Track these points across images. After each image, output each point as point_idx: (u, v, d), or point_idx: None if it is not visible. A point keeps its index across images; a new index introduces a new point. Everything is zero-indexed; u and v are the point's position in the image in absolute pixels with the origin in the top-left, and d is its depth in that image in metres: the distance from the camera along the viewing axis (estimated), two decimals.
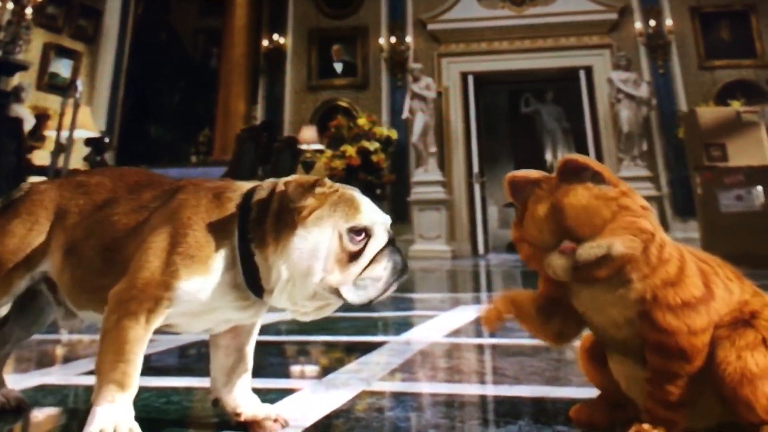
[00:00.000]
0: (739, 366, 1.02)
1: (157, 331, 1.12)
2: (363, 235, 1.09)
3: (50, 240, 1.26)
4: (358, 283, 1.08)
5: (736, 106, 8.29)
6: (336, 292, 1.08)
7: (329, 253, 1.07)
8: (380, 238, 1.10)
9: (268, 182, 1.16)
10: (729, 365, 1.03)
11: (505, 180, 1.16)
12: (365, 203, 1.12)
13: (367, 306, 1.09)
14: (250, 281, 1.11)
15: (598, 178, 1.08)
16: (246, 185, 1.18)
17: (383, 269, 1.09)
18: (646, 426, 1.07)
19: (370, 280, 1.08)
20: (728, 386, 1.02)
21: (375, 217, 1.11)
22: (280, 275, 1.08)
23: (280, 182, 1.13)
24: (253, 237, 1.10)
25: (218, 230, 1.11)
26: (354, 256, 1.08)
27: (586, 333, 1.30)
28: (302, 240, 1.07)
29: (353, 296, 1.08)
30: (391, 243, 1.11)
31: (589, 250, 1.04)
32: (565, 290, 1.14)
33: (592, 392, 1.28)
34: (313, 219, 1.08)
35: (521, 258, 1.14)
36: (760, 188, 6.15)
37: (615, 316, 1.08)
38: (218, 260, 1.10)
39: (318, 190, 1.10)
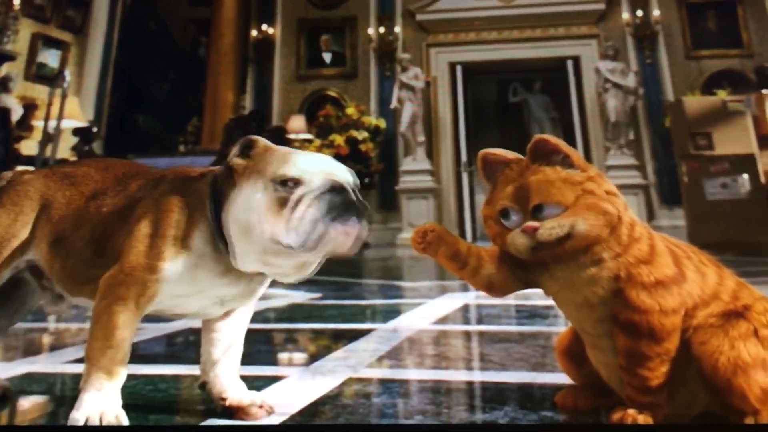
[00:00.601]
0: (733, 356, 1.03)
1: (154, 318, 1.13)
2: (294, 185, 1.08)
3: (35, 230, 1.26)
4: (289, 226, 1.06)
5: (722, 95, 8.33)
6: (277, 241, 1.06)
7: (260, 204, 1.07)
8: (312, 184, 1.08)
9: None
10: (722, 354, 1.03)
11: (478, 157, 1.18)
12: (300, 157, 1.11)
13: (311, 249, 1.06)
14: (228, 249, 1.12)
15: (567, 162, 1.08)
16: (220, 167, 1.19)
17: (315, 209, 1.06)
18: (631, 411, 1.08)
19: (298, 220, 1.06)
20: (722, 376, 1.03)
21: (308, 168, 1.10)
22: (229, 232, 1.10)
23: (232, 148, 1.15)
24: (222, 206, 1.12)
25: (195, 208, 1.13)
26: (284, 204, 1.07)
27: (562, 331, 1.31)
28: (237, 195, 1.09)
29: (288, 239, 1.05)
30: (335, 189, 1.09)
31: (549, 230, 1.04)
32: (532, 272, 1.14)
33: None
34: (246, 175, 1.10)
35: (488, 235, 1.15)
36: (745, 176, 6.20)
37: (588, 295, 1.08)
38: (198, 236, 1.11)
39: (253, 150, 1.12)
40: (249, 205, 1.08)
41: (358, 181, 1.15)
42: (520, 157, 1.14)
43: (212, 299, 1.17)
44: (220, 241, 1.11)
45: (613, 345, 1.10)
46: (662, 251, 1.09)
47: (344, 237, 1.07)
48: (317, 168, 1.10)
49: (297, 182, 1.08)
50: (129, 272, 1.09)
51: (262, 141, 1.14)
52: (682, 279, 1.08)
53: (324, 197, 1.07)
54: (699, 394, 1.07)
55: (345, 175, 1.12)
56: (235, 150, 1.12)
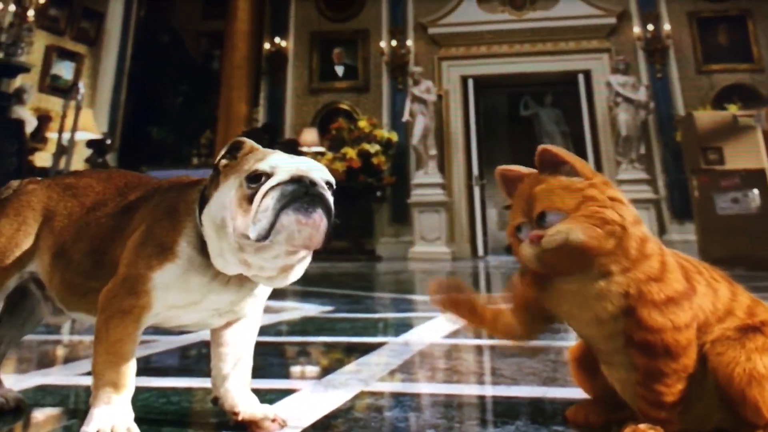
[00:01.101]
0: (749, 367, 1.03)
1: (166, 331, 1.13)
2: (262, 180, 1.07)
3: (38, 241, 1.27)
4: (253, 220, 1.04)
5: (733, 110, 8.29)
6: (244, 235, 1.05)
7: (231, 201, 1.07)
8: (277, 176, 1.07)
9: None
10: (738, 365, 1.04)
11: (496, 173, 1.19)
12: (276, 155, 1.11)
13: (264, 238, 1.04)
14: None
15: (572, 171, 1.09)
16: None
17: (271, 199, 1.04)
18: (642, 426, 1.08)
19: (260, 212, 1.04)
20: (736, 387, 1.03)
21: (278, 164, 1.08)
22: (206, 232, 1.10)
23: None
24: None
25: (183, 214, 1.13)
26: (251, 200, 1.06)
27: (574, 344, 1.31)
28: (216, 196, 1.09)
29: (253, 232, 1.04)
30: (296, 181, 1.07)
31: (550, 237, 1.05)
32: (543, 291, 1.14)
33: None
34: (225, 175, 1.10)
35: (514, 251, 1.15)
36: (756, 191, 6.16)
37: (598, 311, 1.08)
38: (184, 242, 1.11)
39: (240, 152, 1.12)
40: (223, 203, 1.07)
41: (334, 181, 1.13)
42: (532, 170, 1.15)
43: (208, 310, 1.17)
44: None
45: (626, 360, 1.11)
46: (672, 267, 1.09)
47: (298, 225, 1.03)
48: (289, 164, 1.09)
49: (267, 176, 1.07)
50: (122, 283, 1.09)
51: (249, 142, 1.14)
52: (692, 293, 1.08)
53: (284, 187, 1.05)
54: (714, 410, 1.08)
55: (318, 173, 1.10)
56: (222, 151, 1.12)
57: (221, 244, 1.08)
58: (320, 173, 1.10)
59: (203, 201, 1.12)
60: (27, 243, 1.27)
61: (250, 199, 1.05)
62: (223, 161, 1.11)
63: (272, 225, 1.03)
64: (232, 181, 1.08)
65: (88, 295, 1.17)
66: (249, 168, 1.08)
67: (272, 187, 1.05)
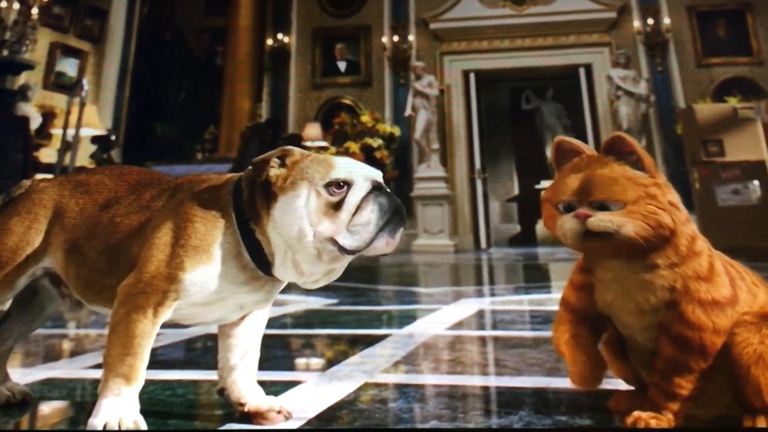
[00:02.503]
0: (760, 349, 1.05)
1: (169, 325, 1.14)
2: (343, 187, 1.11)
3: (50, 238, 1.28)
4: (350, 229, 1.10)
5: (733, 102, 8.28)
6: (333, 241, 1.10)
7: (309, 209, 1.10)
8: (361, 186, 1.12)
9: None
10: (750, 345, 1.06)
11: (554, 142, 1.20)
12: (341, 160, 1.15)
13: (368, 253, 1.11)
14: (257, 258, 1.14)
15: (638, 164, 1.10)
16: (238, 174, 1.21)
17: (370, 212, 1.11)
18: (644, 415, 1.09)
19: (360, 225, 1.10)
20: (743, 365, 1.05)
21: (352, 169, 1.13)
22: (276, 243, 1.12)
23: (255, 159, 1.17)
24: (250, 216, 1.14)
25: (216, 218, 1.14)
26: (339, 206, 1.11)
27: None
28: (281, 206, 1.11)
29: (349, 241, 1.10)
30: (377, 189, 1.14)
31: (599, 221, 1.06)
32: (592, 279, 1.16)
33: None
34: (288, 185, 1.12)
35: (543, 217, 1.16)
36: (756, 182, 6.16)
37: (641, 301, 1.10)
38: (220, 246, 1.13)
39: (288, 159, 1.14)
40: (296, 211, 1.10)
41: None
42: (593, 150, 1.16)
43: (232, 307, 1.19)
44: (246, 251, 1.13)
45: (654, 349, 1.12)
46: (720, 271, 1.10)
47: (390, 245, 1.12)
48: (358, 170, 1.14)
49: (346, 184, 1.11)
50: (149, 281, 1.10)
51: (297, 149, 1.16)
52: (736, 301, 1.09)
53: (377, 200, 1.12)
54: (723, 392, 1.09)
55: (380, 176, 1.17)
56: (258, 164, 1.13)
57: (294, 256, 1.12)
58: (380, 176, 1.18)
59: (239, 206, 1.14)
60: (38, 240, 1.28)
61: (335, 206, 1.10)
62: (276, 171, 1.13)
63: (372, 240, 1.10)
64: (302, 190, 1.11)
65: (105, 292, 1.18)
66: (323, 176, 1.11)
67: (364, 198, 1.11)
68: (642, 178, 1.09)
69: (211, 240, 1.12)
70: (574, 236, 1.09)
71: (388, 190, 1.16)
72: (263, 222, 1.12)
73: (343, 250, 1.11)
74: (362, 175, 1.14)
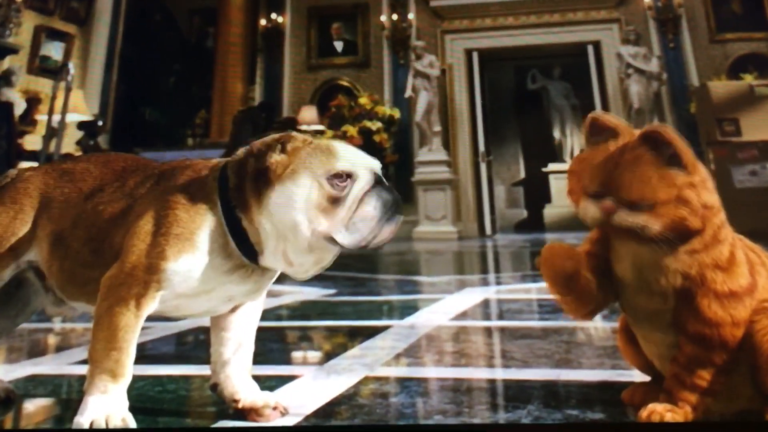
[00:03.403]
0: None
1: (159, 318, 1.12)
2: (345, 179, 1.10)
3: (35, 229, 1.26)
4: (350, 226, 1.09)
5: (749, 79, 8.23)
6: (330, 239, 1.09)
7: (309, 202, 1.08)
8: (363, 179, 1.11)
9: (243, 149, 1.17)
10: None
11: (587, 119, 1.18)
12: (344, 149, 1.13)
13: (365, 248, 1.10)
14: (243, 247, 1.11)
15: (675, 159, 1.05)
16: (224, 159, 1.19)
17: (373, 209, 1.10)
18: (660, 408, 1.07)
19: (360, 221, 1.09)
20: (763, 353, 1.03)
21: (355, 161, 1.12)
22: (267, 233, 1.10)
23: (253, 145, 1.14)
24: (236, 203, 1.11)
25: (199, 205, 1.12)
26: (338, 201, 1.09)
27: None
28: (278, 195, 1.08)
29: (348, 239, 1.09)
30: (379, 183, 1.13)
31: (624, 219, 1.03)
32: (607, 248, 1.15)
33: (605, 375, 1.27)
34: (288, 173, 1.09)
35: (567, 186, 1.15)
36: None
37: (652, 281, 1.07)
38: (203, 234, 1.10)
39: (289, 145, 1.11)
40: (295, 203, 1.08)
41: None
42: (631, 131, 1.12)
43: (220, 298, 1.16)
44: (232, 239, 1.10)
45: (665, 339, 1.10)
46: (741, 260, 1.07)
47: (389, 235, 1.12)
48: (360, 161, 1.13)
49: (349, 176, 1.10)
50: (130, 272, 1.07)
51: (299, 135, 1.14)
52: (754, 288, 1.06)
53: (380, 196, 1.11)
54: (745, 385, 1.06)
55: (378, 165, 1.17)
56: (261, 148, 1.11)
57: (285, 245, 1.09)
58: (380, 167, 1.18)
59: (224, 192, 1.12)
60: (24, 231, 1.26)
61: (334, 201, 1.08)
62: (276, 157, 1.10)
63: (375, 237, 1.10)
64: (304, 180, 1.09)
65: (88, 285, 1.16)
66: (326, 167, 1.09)
67: (366, 192, 1.10)
68: (677, 177, 1.05)
69: (194, 228, 1.10)
70: (593, 222, 1.08)
71: (387, 183, 1.15)
72: (252, 209, 1.10)
73: (340, 247, 1.10)
74: (364, 166, 1.12)
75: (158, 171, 1.22)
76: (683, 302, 1.05)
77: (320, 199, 1.08)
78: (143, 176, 1.22)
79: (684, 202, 1.03)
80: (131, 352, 1.08)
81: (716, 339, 1.04)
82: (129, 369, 1.08)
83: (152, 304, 1.09)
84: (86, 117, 8.46)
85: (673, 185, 1.03)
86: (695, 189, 1.04)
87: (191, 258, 1.08)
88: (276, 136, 1.13)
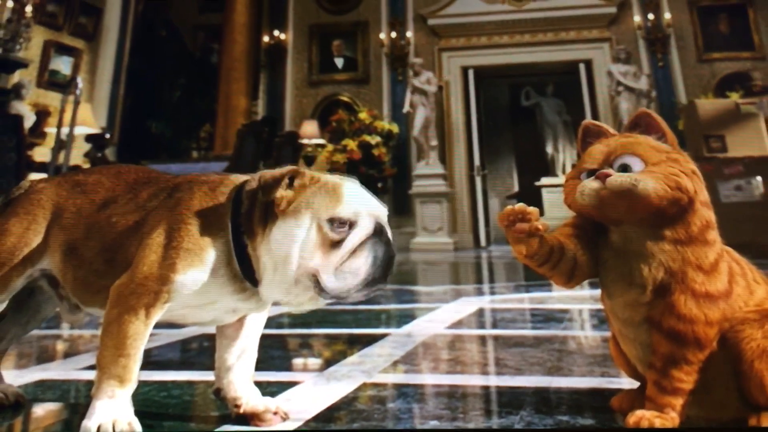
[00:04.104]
0: (763, 344, 1.05)
1: (164, 325, 1.13)
2: (346, 225, 1.10)
3: (48, 239, 1.27)
4: (337, 273, 1.09)
5: (735, 97, 8.27)
6: (314, 278, 1.09)
7: (307, 241, 1.09)
8: (364, 228, 1.11)
9: (260, 173, 1.17)
10: (753, 341, 1.05)
11: (581, 124, 1.23)
12: (350, 193, 1.12)
13: (343, 299, 1.10)
14: (246, 272, 1.12)
15: (662, 140, 1.12)
16: (240, 178, 1.20)
17: (363, 261, 1.09)
18: (648, 414, 1.08)
19: (349, 272, 1.09)
20: (746, 360, 1.05)
21: (358, 208, 1.11)
22: (264, 264, 1.10)
23: (262, 174, 1.14)
24: (245, 229, 1.12)
25: (212, 223, 1.13)
26: (336, 245, 1.09)
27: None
28: (279, 230, 1.09)
29: (332, 284, 1.09)
30: (378, 234, 1.12)
31: (618, 178, 1.06)
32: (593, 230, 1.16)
33: (595, 382, 1.28)
34: (291, 210, 1.10)
35: (564, 194, 1.16)
36: (759, 179, 6.16)
37: (634, 270, 1.09)
38: (213, 252, 1.11)
39: (297, 182, 1.12)
40: (293, 239, 1.08)
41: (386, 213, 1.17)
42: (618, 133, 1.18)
43: (225, 309, 1.18)
44: (238, 264, 1.12)
45: (641, 338, 1.12)
46: (722, 270, 1.10)
47: (364, 297, 1.11)
48: (365, 208, 1.12)
49: (350, 225, 1.10)
50: (141, 282, 1.09)
51: (308, 172, 1.14)
52: (729, 294, 1.09)
53: (374, 249, 1.10)
54: (732, 395, 1.08)
55: (384, 212, 1.16)
56: (268, 182, 1.11)
57: (277, 276, 1.10)
58: (386, 214, 1.16)
59: (236, 217, 1.13)
60: (37, 241, 1.27)
61: (331, 245, 1.08)
62: (282, 192, 1.10)
63: (355, 293, 1.09)
64: (304, 220, 1.09)
65: (102, 293, 1.17)
66: (328, 211, 1.09)
67: (363, 242, 1.09)
68: (664, 146, 1.11)
69: (204, 245, 1.11)
70: (592, 195, 1.08)
71: (389, 233, 1.14)
72: (257, 239, 1.11)
73: (319, 288, 1.09)
74: (368, 212, 1.12)
75: (171, 184, 1.23)
76: (660, 296, 1.07)
77: (320, 241, 1.09)
78: (156, 189, 1.23)
79: (674, 161, 1.07)
80: (139, 359, 1.09)
81: (690, 336, 1.05)
82: (136, 375, 1.09)
83: (160, 313, 1.10)
84: (94, 130, 8.43)
85: (662, 150, 1.09)
86: (683, 155, 1.10)
87: (198, 273, 1.10)
88: (285, 170, 1.12)
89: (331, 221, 1.09)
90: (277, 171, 1.12)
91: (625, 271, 1.10)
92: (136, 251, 1.13)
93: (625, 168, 1.08)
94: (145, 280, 1.08)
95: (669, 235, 1.07)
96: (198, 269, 1.10)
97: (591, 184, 1.08)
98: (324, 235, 1.09)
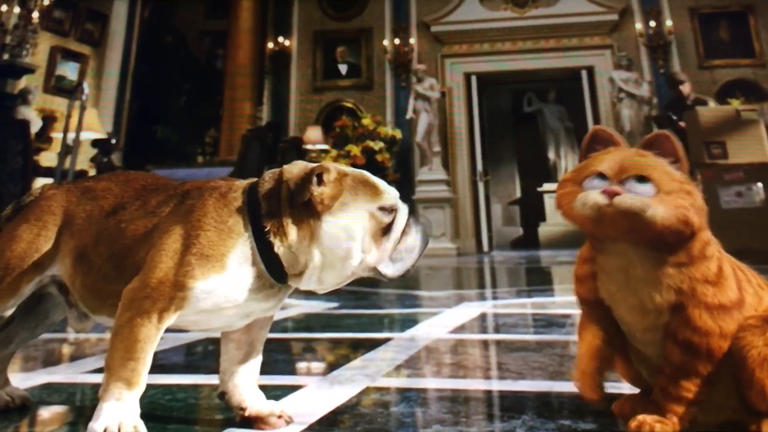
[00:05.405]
0: (765, 351, 1.04)
1: (170, 329, 1.13)
2: (390, 210, 1.13)
3: (58, 245, 1.27)
4: (394, 257, 1.12)
5: (736, 104, 8.28)
6: (375, 270, 1.12)
7: (365, 233, 1.11)
8: (403, 210, 1.14)
9: (270, 174, 1.18)
10: (754, 348, 1.05)
11: (591, 129, 1.19)
12: (378, 180, 1.16)
13: (399, 278, 1.14)
14: (274, 271, 1.13)
15: (676, 166, 1.09)
16: (243, 182, 1.20)
17: (414, 239, 1.13)
18: (649, 419, 1.08)
19: (405, 251, 1.13)
20: (748, 367, 1.04)
21: (394, 192, 1.15)
22: (312, 260, 1.11)
23: (285, 173, 1.15)
24: (270, 229, 1.12)
25: (230, 228, 1.13)
26: (385, 231, 1.12)
27: None
28: (332, 226, 1.11)
29: (392, 270, 1.12)
30: (411, 213, 1.16)
31: (628, 199, 1.03)
32: (596, 267, 1.14)
33: None
34: (338, 205, 1.11)
35: (557, 195, 1.14)
36: (760, 185, 6.15)
37: (645, 298, 1.08)
38: (233, 257, 1.12)
39: (326, 177, 1.12)
40: (351, 236, 1.10)
41: None
42: (627, 146, 1.15)
43: (239, 315, 1.17)
44: (264, 265, 1.12)
45: (658, 352, 1.11)
46: (728, 274, 1.09)
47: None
48: (394, 191, 1.15)
49: (393, 210, 1.13)
50: (155, 286, 1.09)
51: (334, 167, 1.15)
52: (742, 304, 1.08)
53: (415, 225, 1.14)
54: (729, 397, 1.09)
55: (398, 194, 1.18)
56: (298, 183, 1.12)
57: (328, 272, 1.12)
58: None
59: (255, 216, 1.13)
60: (47, 247, 1.27)
61: (383, 233, 1.11)
62: (318, 190, 1.11)
63: (414, 265, 1.13)
64: (357, 211, 1.11)
65: (110, 299, 1.17)
66: (375, 199, 1.12)
67: (407, 223, 1.13)
68: (679, 175, 1.07)
69: (225, 250, 1.11)
70: (593, 208, 1.05)
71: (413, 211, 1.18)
72: (289, 237, 1.11)
73: (382, 277, 1.13)
74: (398, 197, 1.15)
75: (181, 191, 1.23)
76: (675, 314, 1.06)
77: (374, 230, 1.11)
78: (165, 195, 1.23)
79: (687, 193, 1.04)
80: (148, 363, 1.09)
81: (704, 348, 1.05)
82: (144, 378, 1.09)
83: (173, 318, 1.10)
84: (100, 135, 8.46)
85: (677, 180, 1.05)
86: (694, 187, 1.06)
87: (220, 278, 1.10)
88: (306, 166, 1.14)
89: (381, 209, 1.12)
90: (300, 170, 1.13)
91: (635, 301, 1.10)
92: (146, 256, 1.13)
93: (634, 188, 1.05)
94: (160, 285, 1.08)
95: (671, 259, 1.06)
96: (219, 274, 1.10)
97: (596, 197, 1.05)
98: (378, 223, 1.11)
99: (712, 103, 8.10)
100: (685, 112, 7.34)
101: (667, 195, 1.03)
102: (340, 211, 1.11)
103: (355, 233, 1.10)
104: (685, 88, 8.22)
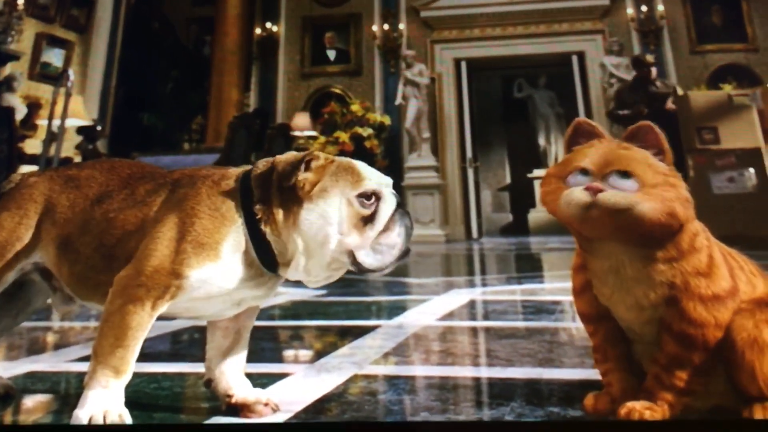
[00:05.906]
0: (754, 333, 1.04)
1: (158, 318, 1.13)
2: (372, 198, 1.12)
3: (40, 233, 1.26)
4: (374, 247, 1.11)
5: (728, 89, 8.29)
6: (351, 255, 1.10)
7: (342, 219, 1.10)
8: (389, 201, 1.13)
9: (263, 162, 1.18)
10: (744, 331, 1.05)
11: (573, 121, 1.18)
12: (365, 168, 1.15)
13: (380, 272, 1.12)
14: (265, 258, 1.13)
15: (660, 159, 1.08)
16: (237, 170, 1.20)
17: (397, 235, 1.12)
18: (638, 405, 1.08)
19: (386, 246, 1.11)
20: (738, 349, 1.04)
21: (379, 180, 1.14)
22: (296, 247, 1.11)
23: (277, 160, 1.15)
24: (262, 217, 1.12)
25: (224, 215, 1.13)
26: (367, 220, 1.11)
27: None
28: (309, 212, 1.10)
29: (370, 260, 1.11)
30: (399, 206, 1.14)
31: (612, 197, 1.02)
32: (590, 272, 1.14)
33: (586, 374, 1.28)
34: (317, 191, 1.11)
35: (541, 192, 1.13)
36: (751, 170, 6.19)
37: (639, 296, 1.08)
38: (228, 245, 1.12)
39: (314, 163, 1.12)
40: (327, 220, 1.10)
41: None
42: (611, 139, 1.14)
43: (231, 302, 1.17)
44: (255, 252, 1.12)
45: (655, 342, 1.11)
46: (720, 263, 1.09)
47: (393, 268, 1.14)
48: (382, 179, 1.15)
49: (376, 197, 1.12)
50: (150, 275, 1.08)
51: (322, 154, 1.15)
52: (735, 292, 1.08)
53: (403, 222, 1.13)
54: (718, 382, 1.09)
55: (391, 182, 1.18)
56: (286, 167, 1.12)
57: (309, 258, 1.12)
58: (392, 182, 1.19)
59: (248, 204, 1.13)
60: (28, 236, 1.26)
61: (364, 220, 1.10)
62: (302, 176, 1.11)
63: (391, 265, 1.12)
64: (333, 198, 1.11)
65: (100, 288, 1.17)
66: (354, 186, 1.11)
67: (392, 216, 1.12)
68: (663, 167, 1.07)
69: (219, 238, 1.11)
70: (578, 206, 1.04)
71: (402, 203, 1.17)
72: (278, 224, 1.12)
73: (357, 266, 1.11)
74: (385, 185, 1.14)
75: (170, 179, 1.22)
76: (670, 306, 1.07)
77: (353, 217, 1.10)
78: (154, 184, 1.22)
79: (671, 186, 1.04)
80: (136, 351, 1.09)
81: (699, 339, 1.05)
82: (131, 367, 1.09)
83: (166, 306, 1.10)
84: (85, 122, 8.42)
85: (660, 172, 1.05)
86: (678, 179, 1.06)
87: (214, 267, 1.10)
88: (298, 154, 1.13)
89: (359, 196, 1.11)
90: (291, 156, 1.13)
91: (631, 301, 1.10)
92: (137, 246, 1.13)
93: (617, 183, 1.04)
94: (156, 273, 1.08)
95: (661, 255, 1.06)
96: (213, 263, 1.10)
97: (579, 195, 1.04)
98: (355, 211, 1.10)
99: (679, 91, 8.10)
100: (648, 95, 7.34)
101: (651, 189, 1.03)
102: (318, 197, 1.11)
103: (330, 218, 1.10)
104: (653, 73, 8.24)
